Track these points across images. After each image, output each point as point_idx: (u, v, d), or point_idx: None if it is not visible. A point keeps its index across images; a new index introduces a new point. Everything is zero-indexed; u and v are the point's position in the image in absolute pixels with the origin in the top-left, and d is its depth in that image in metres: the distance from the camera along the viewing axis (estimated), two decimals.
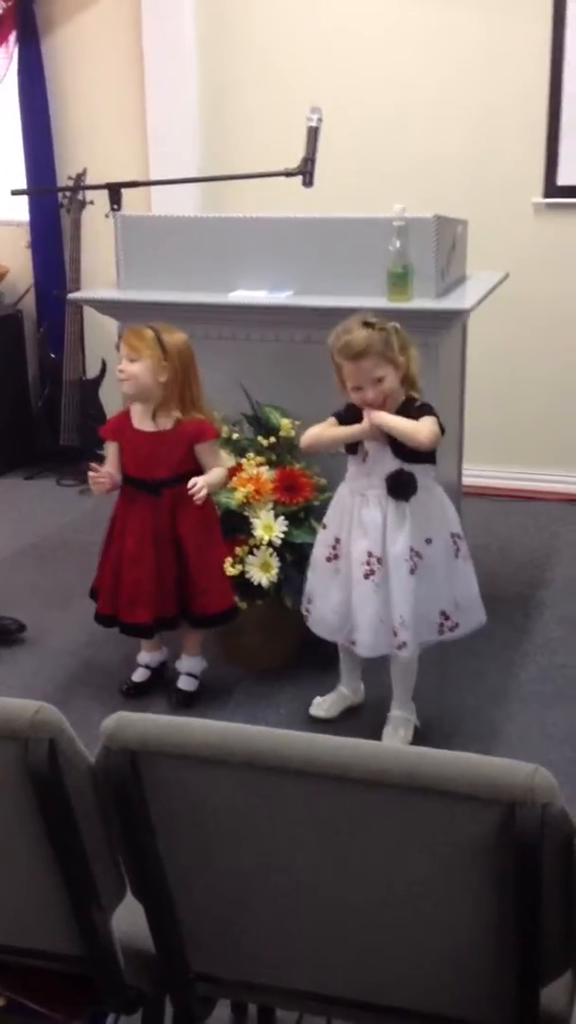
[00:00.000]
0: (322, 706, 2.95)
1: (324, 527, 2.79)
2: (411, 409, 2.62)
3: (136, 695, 3.06)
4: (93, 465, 2.90)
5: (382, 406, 2.58)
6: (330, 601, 2.76)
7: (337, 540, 2.73)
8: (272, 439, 3.09)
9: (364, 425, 2.59)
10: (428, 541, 2.66)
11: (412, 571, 2.64)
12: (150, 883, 1.42)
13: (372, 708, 2.95)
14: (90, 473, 2.90)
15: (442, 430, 2.63)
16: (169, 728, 1.32)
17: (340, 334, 2.57)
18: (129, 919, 1.50)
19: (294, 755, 1.26)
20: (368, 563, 2.66)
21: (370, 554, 2.66)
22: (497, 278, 3.44)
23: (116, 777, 1.32)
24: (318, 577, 2.80)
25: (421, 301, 3.03)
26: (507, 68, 4.36)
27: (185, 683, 3.08)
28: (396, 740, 2.81)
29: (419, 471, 2.64)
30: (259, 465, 3.04)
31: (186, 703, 3.02)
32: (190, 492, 2.78)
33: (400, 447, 2.61)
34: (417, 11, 4.41)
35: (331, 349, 2.58)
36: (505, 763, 1.22)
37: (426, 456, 2.64)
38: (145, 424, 2.88)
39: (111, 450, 2.95)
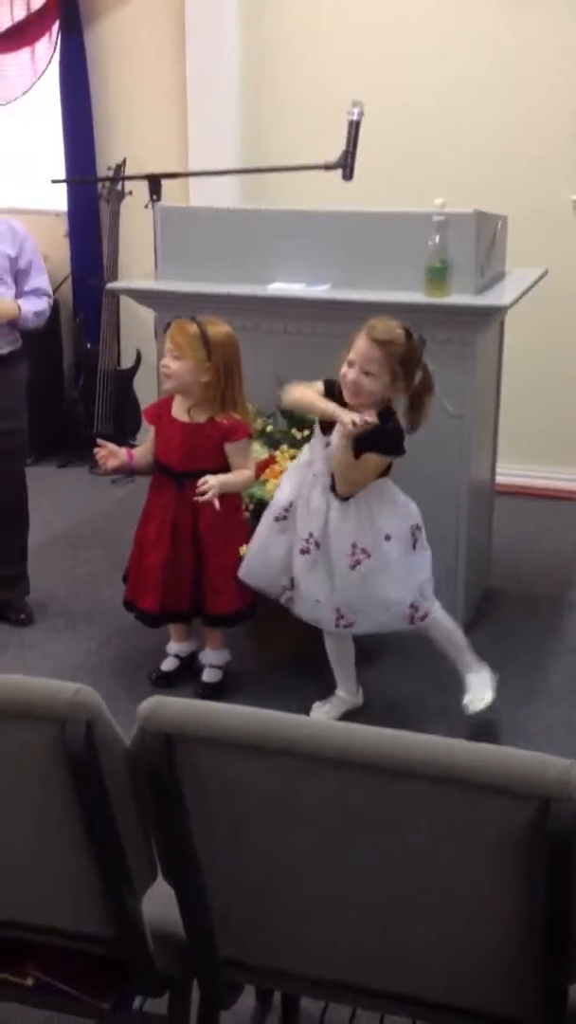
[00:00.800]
0: (322, 710, 2.94)
1: (280, 486, 2.85)
2: (384, 421, 2.58)
3: (165, 684, 3.07)
4: (100, 441, 2.97)
5: (353, 397, 2.59)
6: (268, 556, 2.83)
7: (291, 504, 2.79)
8: (306, 432, 3.08)
9: (344, 419, 2.56)
10: (387, 538, 2.68)
11: (353, 567, 2.67)
12: (181, 867, 1.43)
13: (374, 710, 2.95)
14: (97, 450, 2.95)
15: (393, 454, 2.63)
16: (205, 713, 1.32)
17: (380, 318, 2.58)
18: (159, 903, 1.51)
19: (330, 744, 1.26)
20: (307, 540, 2.73)
21: (310, 534, 2.73)
22: (536, 275, 3.42)
23: (151, 760, 1.33)
24: (262, 529, 2.85)
25: (459, 297, 3.02)
26: (546, 64, 4.33)
27: (209, 675, 3.09)
28: (320, 713, 2.89)
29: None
30: (292, 458, 3.04)
31: (210, 694, 3.03)
32: (199, 490, 2.75)
33: (361, 447, 2.59)
34: (456, 7, 4.39)
35: (364, 324, 2.59)
36: (540, 758, 1.22)
37: (390, 452, 2.63)
38: (181, 415, 2.89)
39: (149, 434, 3.01)
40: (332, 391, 2.67)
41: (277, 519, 2.82)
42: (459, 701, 2.87)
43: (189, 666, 3.16)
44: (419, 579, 2.75)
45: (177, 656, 3.15)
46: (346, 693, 2.95)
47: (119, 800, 1.39)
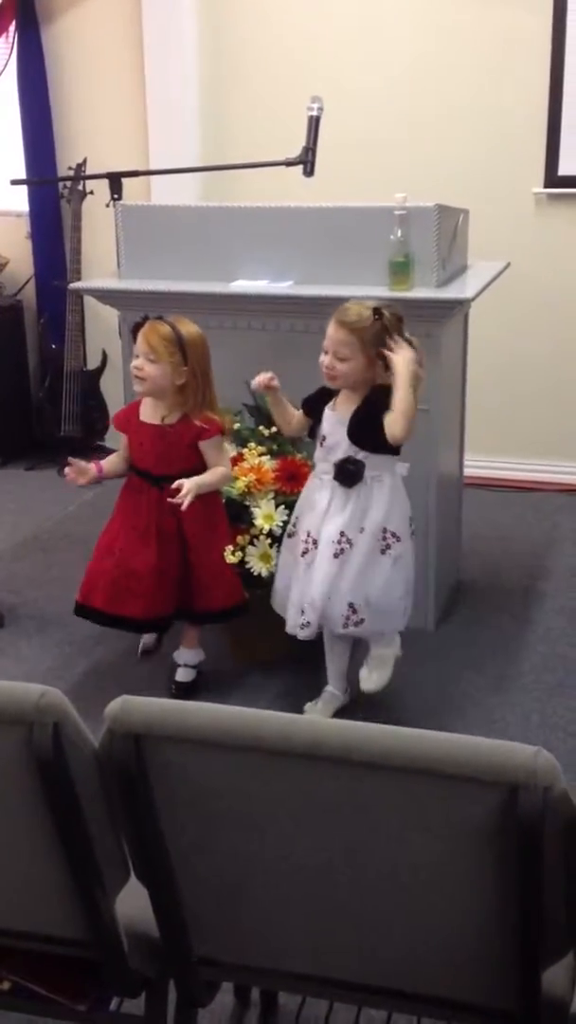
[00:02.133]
0: (314, 710, 2.93)
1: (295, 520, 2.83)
2: (376, 396, 2.58)
3: (185, 696, 2.99)
4: (70, 460, 2.92)
5: (331, 381, 2.61)
6: (282, 577, 2.82)
7: (297, 519, 2.79)
8: (273, 429, 3.09)
9: (298, 414, 2.66)
10: (361, 530, 2.65)
11: (336, 555, 2.65)
12: (153, 866, 1.43)
13: (382, 704, 2.94)
14: (67, 469, 2.91)
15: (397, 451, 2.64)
16: (173, 712, 1.32)
17: (352, 301, 2.59)
18: (133, 903, 1.51)
19: (297, 738, 1.26)
20: (306, 542, 2.71)
21: (308, 534, 2.71)
22: (498, 268, 3.44)
23: (120, 761, 1.33)
24: (282, 553, 2.85)
25: (422, 290, 3.03)
26: (508, 59, 4.35)
27: (183, 674, 3.08)
28: (314, 711, 2.88)
29: (378, 461, 2.64)
30: (260, 455, 3.04)
31: (184, 694, 3.01)
32: (175, 494, 2.73)
33: (358, 435, 2.61)
34: (419, 1, 4.40)
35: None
36: (507, 746, 1.23)
37: (388, 447, 2.62)
38: (152, 417, 2.87)
39: (121, 441, 2.97)
40: (313, 401, 2.71)
41: (289, 535, 2.79)
42: (460, 690, 2.84)
43: (203, 674, 3.12)
44: (372, 585, 2.66)
45: (187, 665, 3.10)
46: (337, 689, 2.93)
47: (89, 802, 1.38)
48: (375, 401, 2.60)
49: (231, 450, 3.09)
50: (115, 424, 3.01)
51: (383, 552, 2.67)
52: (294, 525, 2.80)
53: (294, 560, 2.76)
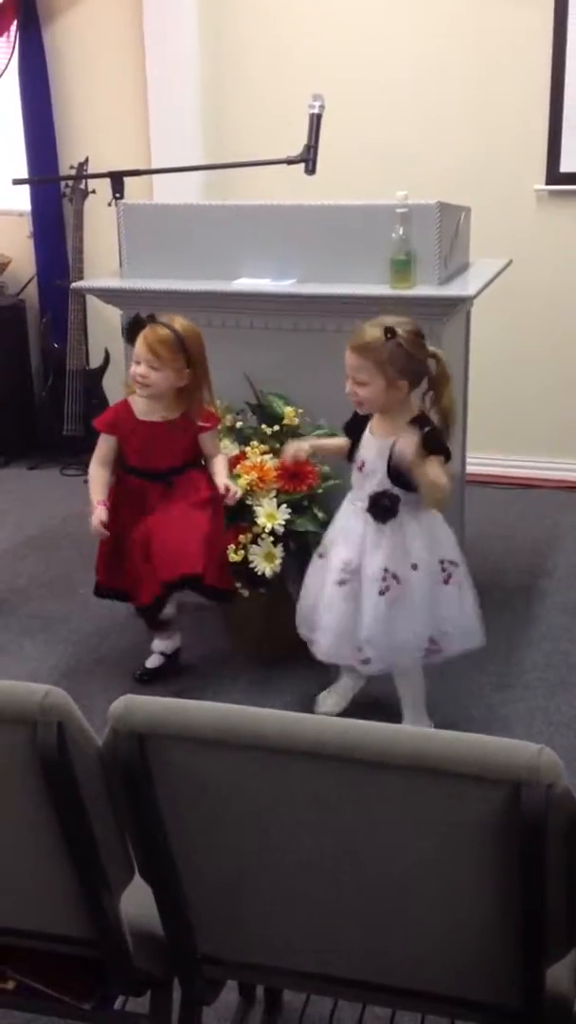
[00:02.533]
0: (328, 700, 2.92)
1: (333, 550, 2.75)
2: (417, 430, 2.50)
3: (149, 681, 3.07)
4: (101, 532, 2.88)
5: (358, 407, 2.56)
6: (308, 597, 2.76)
7: (330, 542, 2.73)
8: (276, 427, 3.09)
9: (339, 442, 2.66)
10: (414, 567, 2.58)
11: (382, 592, 2.58)
12: (158, 865, 1.43)
13: (384, 705, 2.94)
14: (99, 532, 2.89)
15: (447, 457, 2.54)
16: (177, 711, 1.32)
17: (369, 322, 2.52)
18: (137, 902, 1.51)
19: (301, 737, 1.27)
20: (343, 571, 2.64)
21: (346, 563, 2.64)
22: (500, 265, 3.44)
23: (124, 760, 1.33)
24: (308, 574, 2.78)
25: (424, 288, 3.03)
26: (510, 56, 4.35)
27: (152, 660, 3.12)
28: (326, 705, 2.86)
29: (414, 498, 2.57)
30: (263, 454, 3.05)
31: (149, 679, 3.06)
32: (227, 500, 2.84)
33: (396, 474, 2.54)
34: None
35: None
36: (510, 743, 1.23)
37: (440, 452, 2.55)
38: (152, 415, 2.87)
39: (106, 444, 2.90)
40: (350, 426, 2.67)
41: (320, 555, 2.73)
42: (463, 688, 2.84)
43: (174, 663, 3.15)
44: (443, 615, 2.62)
45: (162, 653, 3.13)
46: (351, 677, 2.91)
47: (93, 800, 1.38)
48: (421, 426, 2.51)
49: (233, 448, 3.10)
50: (101, 427, 2.93)
51: (446, 583, 2.62)
52: (324, 547, 2.73)
53: (322, 584, 2.69)
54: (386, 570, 2.58)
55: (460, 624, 2.66)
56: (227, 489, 2.84)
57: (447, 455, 2.55)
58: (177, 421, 2.86)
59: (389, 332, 2.46)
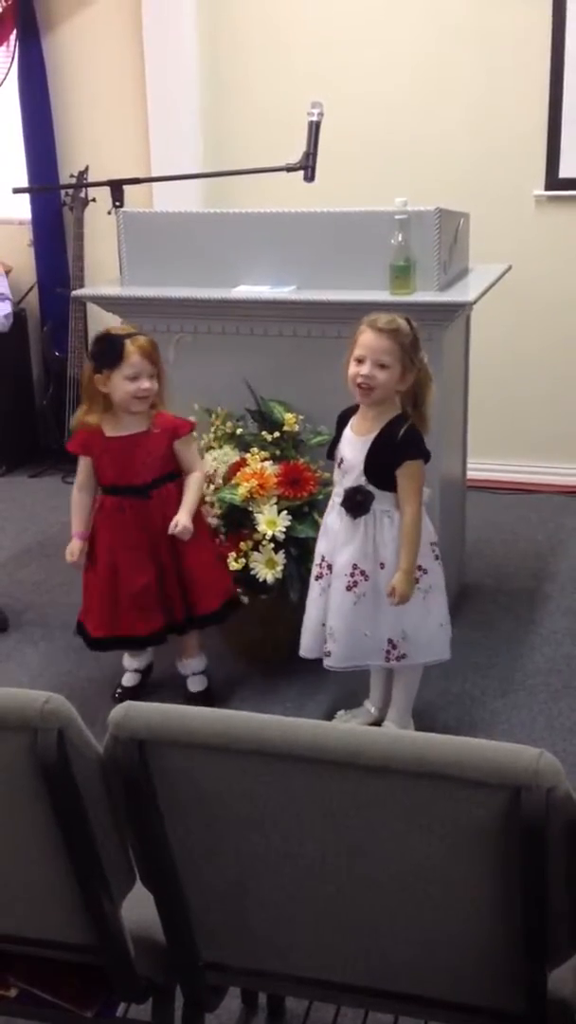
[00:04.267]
0: (343, 720, 2.91)
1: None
2: (397, 430, 2.54)
3: (130, 699, 3.02)
4: (74, 563, 2.91)
5: (366, 394, 2.55)
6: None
7: (323, 559, 2.74)
8: (276, 434, 3.10)
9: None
10: (382, 565, 2.59)
11: (349, 588, 2.60)
12: (159, 872, 1.43)
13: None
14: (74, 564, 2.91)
15: (427, 458, 2.59)
16: (176, 717, 1.33)
17: (379, 313, 2.54)
18: (139, 908, 1.51)
19: (301, 742, 1.27)
20: (320, 566, 2.69)
21: (323, 558, 2.68)
22: (499, 271, 3.44)
23: (124, 766, 1.33)
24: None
25: (423, 294, 3.03)
26: (508, 61, 4.35)
27: (196, 683, 3.07)
28: (345, 720, 2.84)
29: (390, 496, 2.58)
30: (263, 460, 3.05)
31: (205, 702, 3.00)
32: (175, 532, 2.77)
33: (371, 469, 2.56)
34: (417, 4, 4.41)
35: (361, 323, 2.55)
36: (510, 747, 1.23)
37: (420, 455, 2.58)
38: (120, 430, 2.81)
39: (83, 466, 2.88)
40: (341, 418, 2.67)
41: (316, 578, 2.73)
42: (465, 692, 2.84)
43: (147, 678, 3.14)
44: (406, 620, 2.62)
45: (137, 671, 3.12)
46: (373, 706, 2.90)
47: (94, 807, 1.38)
48: (394, 434, 2.54)
49: (233, 455, 3.10)
50: (74, 449, 2.88)
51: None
52: (319, 566, 2.75)
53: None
54: (355, 566, 2.61)
55: (423, 632, 2.65)
56: (176, 523, 2.77)
57: (427, 457, 2.59)
58: (147, 433, 2.81)
59: (409, 322, 2.52)
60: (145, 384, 2.74)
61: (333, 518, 2.68)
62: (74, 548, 2.90)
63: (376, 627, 2.63)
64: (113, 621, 2.89)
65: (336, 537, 2.65)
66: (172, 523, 2.78)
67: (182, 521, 2.78)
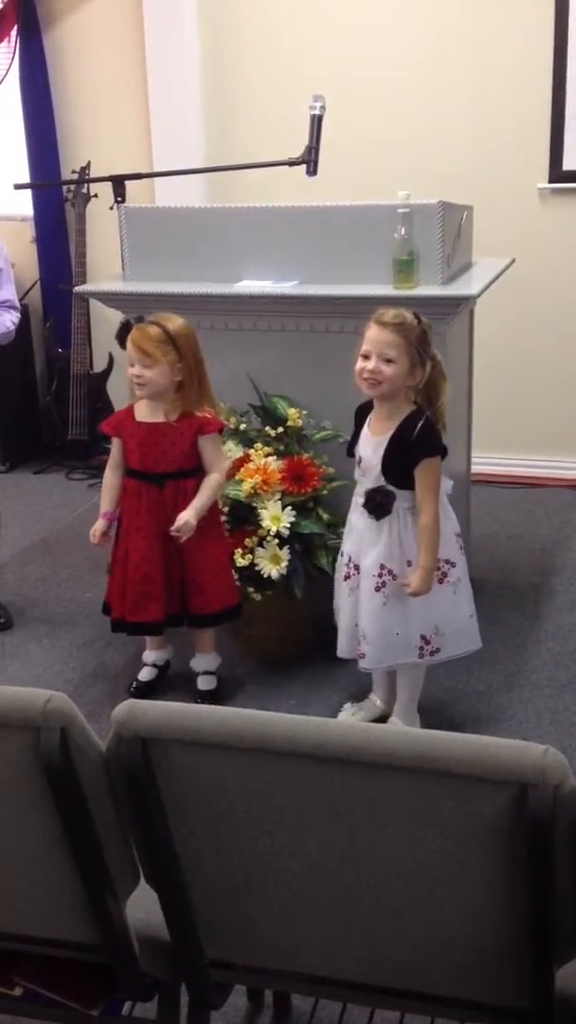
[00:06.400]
0: (348, 713, 2.90)
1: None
2: (413, 427, 2.53)
3: (144, 694, 3.03)
4: (101, 545, 2.92)
5: (373, 388, 2.53)
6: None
7: (349, 559, 2.73)
8: (280, 429, 3.09)
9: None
10: (409, 563, 2.59)
11: (378, 588, 2.60)
12: (163, 870, 1.42)
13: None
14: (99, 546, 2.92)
15: (444, 454, 2.57)
16: (180, 715, 1.32)
17: (388, 308, 2.54)
18: (143, 906, 1.51)
19: (305, 739, 1.26)
20: (348, 566, 2.68)
21: (350, 558, 2.68)
22: (503, 264, 3.43)
23: (128, 765, 1.32)
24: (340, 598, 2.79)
25: (427, 288, 3.02)
26: (511, 54, 4.33)
27: (205, 682, 3.06)
28: (347, 716, 2.83)
29: (410, 495, 2.57)
30: (267, 456, 3.04)
31: (213, 701, 2.99)
32: (173, 532, 2.76)
33: (390, 468, 2.55)
34: None
35: (370, 319, 2.54)
36: (516, 744, 1.22)
37: (437, 451, 2.57)
38: (151, 417, 2.84)
39: (115, 447, 2.93)
40: (357, 415, 2.66)
41: (345, 578, 2.72)
42: (471, 687, 2.83)
43: (165, 674, 3.14)
44: (437, 614, 2.63)
45: (155, 665, 3.12)
46: (379, 699, 2.89)
47: (97, 806, 1.38)
48: (410, 431, 2.53)
49: (237, 451, 3.09)
50: (107, 429, 2.95)
51: (441, 582, 2.62)
52: (347, 565, 2.74)
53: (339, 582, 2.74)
54: (382, 566, 2.60)
55: (454, 624, 2.66)
56: (178, 528, 2.76)
57: (444, 453, 2.57)
58: (176, 423, 2.82)
59: (417, 317, 2.50)
60: (134, 371, 2.75)
61: (356, 517, 2.66)
62: (97, 528, 2.92)
63: (407, 625, 2.62)
64: (121, 604, 2.91)
65: (361, 537, 2.64)
66: (174, 529, 2.77)
67: (184, 517, 2.77)
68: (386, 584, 2.60)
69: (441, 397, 2.58)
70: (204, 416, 2.83)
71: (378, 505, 2.58)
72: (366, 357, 2.51)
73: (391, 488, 2.57)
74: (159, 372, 2.75)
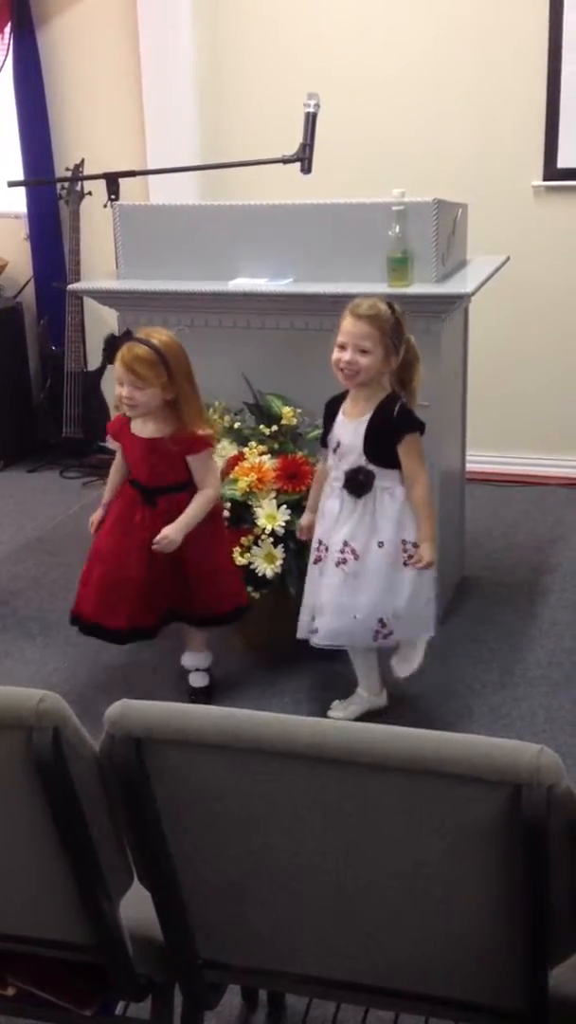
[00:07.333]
0: (339, 709, 2.90)
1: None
2: (391, 408, 2.60)
3: (206, 700, 2.98)
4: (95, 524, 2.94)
5: (350, 379, 2.60)
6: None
7: (320, 542, 2.77)
8: (274, 427, 3.08)
9: (319, 478, 2.69)
10: (380, 544, 2.64)
11: (338, 564, 2.65)
12: (156, 870, 1.42)
13: (395, 711, 2.93)
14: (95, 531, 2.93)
15: (422, 430, 2.64)
16: (173, 715, 1.31)
17: (361, 299, 2.60)
18: (137, 906, 1.50)
19: (299, 740, 1.26)
20: (318, 549, 2.73)
21: (320, 541, 2.72)
22: (498, 262, 3.43)
23: (121, 764, 1.32)
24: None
25: (422, 286, 3.02)
26: (506, 51, 4.33)
27: (197, 679, 3.05)
28: (338, 712, 2.87)
29: (390, 473, 2.64)
30: (261, 454, 3.03)
31: (204, 698, 2.98)
32: (155, 547, 2.72)
33: (371, 449, 2.61)
34: None
35: (345, 309, 2.60)
36: (510, 744, 1.22)
37: (417, 427, 2.64)
38: (142, 431, 2.79)
39: (119, 449, 2.93)
40: (328, 408, 2.71)
41: (315, 562, 2.76)
42: (466, 686, 2.83)
43: (215, 676, 3.09)
44: (399, 597, 2.66)
45: (199, 669, 3.06)
46: (367, 692, 2.89)
47: (90, 806, 1.37)
48: (389, 412, 2.60)
49: (231, 449, 3.08)
50: (110, 433, 2.95)
51: (405, 564, 2.66)
52: (316, 549, 2.79)
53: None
54: (345, 543, 2.65)
55: (413, 609, 2.70)
56: (162, 540, 2.73)
57: (422, 429, 2.64)
58: (165, 440, 2.76)
59: (391, 306, 2.57)
60: (124, 392, 2.70)
61: (332, 503, 2.70)
62: (95, 518, 2.95)
63: (367, 607, 2.66)
64: (81, 601, 2.90)
65: (335, 520, 2.69)
66: (155, 543, 2.73)
67: (166, 532, 2.73)
68: (347, 561, 2.65)
69: (415, 379, 2.65)
70: (193, 433, 2.76)
71: (359, 484, 2.64)
72: (342, 348, 2.58)
73: (371, 467, 2.63)
74: (150, 395, 2.70)
